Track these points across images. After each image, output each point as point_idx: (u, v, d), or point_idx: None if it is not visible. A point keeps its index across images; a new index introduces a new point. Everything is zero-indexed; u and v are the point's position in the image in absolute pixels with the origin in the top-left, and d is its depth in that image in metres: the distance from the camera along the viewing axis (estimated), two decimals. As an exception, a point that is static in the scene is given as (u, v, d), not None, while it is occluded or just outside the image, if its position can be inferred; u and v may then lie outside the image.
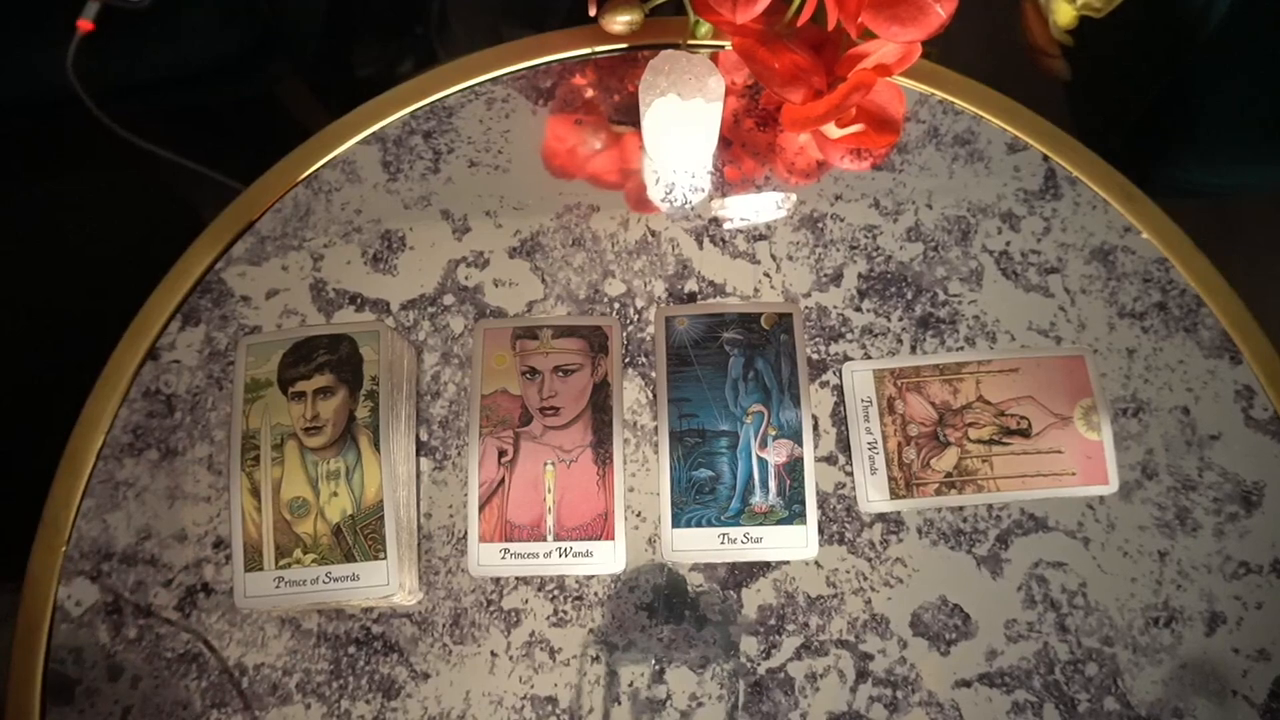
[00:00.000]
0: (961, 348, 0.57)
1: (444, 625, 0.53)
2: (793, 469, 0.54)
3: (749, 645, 0.52)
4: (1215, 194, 0.89)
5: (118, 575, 0.53)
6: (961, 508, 0.54)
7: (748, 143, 0.62)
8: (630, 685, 0.52)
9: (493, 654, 0.52)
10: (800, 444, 0.54)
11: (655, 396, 0.56)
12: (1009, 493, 0.54)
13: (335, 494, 0.50)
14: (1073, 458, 0.54)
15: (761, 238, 0.60)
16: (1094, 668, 0.52)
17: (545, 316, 0.58)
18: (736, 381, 0.55)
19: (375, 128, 0.63)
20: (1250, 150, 0.82)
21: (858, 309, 0.58)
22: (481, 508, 0.53)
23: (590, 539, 0.53)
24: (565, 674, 0.52)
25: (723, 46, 0.64)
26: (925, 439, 0.55)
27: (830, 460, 0.55)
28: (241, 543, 0.49)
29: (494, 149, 0.62)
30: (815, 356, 0.57)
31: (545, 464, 0.54)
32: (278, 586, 0.49)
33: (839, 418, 0.56)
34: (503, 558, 0.53)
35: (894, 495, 0.54)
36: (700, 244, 0.60)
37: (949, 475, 0.54)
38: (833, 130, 0.59)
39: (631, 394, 0.56)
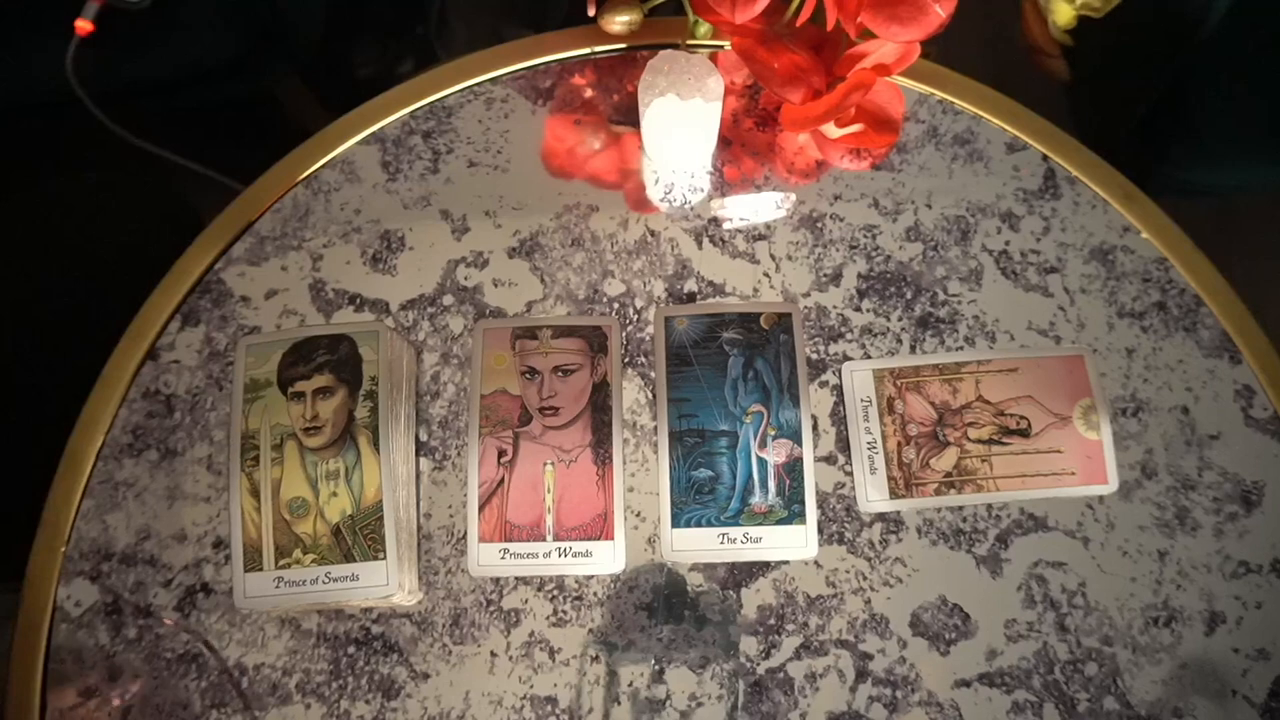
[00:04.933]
0: (961, 347, 0.57)
1: (444, 625, 0.53)
2: (792, 469, 0.54)
3: (749, 645, 0.52)
4: (1215, 194, 0.89)
5: (117, 575, 0.53)
6: (961, 507, 0.54)
7: (747, 143, 0.62)
8: (630, 685, 0.52)
9: (492, 654, 0.52)
10: (800, 444, 0.54)
11: (655, 396, 0.56)
12: (1008, 492, 0.54)
13: (335, 494, 0.50)
14: (1072, 457, 0.54)
15: (761, 237, 0.60)
16: (1094, 667, 0.52)
17: (545, 316, 0.58)
18: (736, 381, 0.55)
19: (375, 128, 0.63)
20: (1250, 150, 0.82)
21: (857, 309, 0.58)
22: (481, 508, 0.53)
23: (590, 539, 0.53)
24: (565, 674, 0.52)
25: (722, 46, 0.64)
26: (925, 439, 0.55)
27: (830, 460, 0.55)
28: (241, 543, 0.49)
29: (493, 149, 0.62)
30: (815, 356, 0.57)
31: (545, 464, 0.54)
32: (277, 587, 0.49)
33: (838, 417, 0.56)
34: (502, 558, 0.53)
35: (893, 495, 0.54)
36: (699, 244, 0.60)
37: (948, 475, 0.54)
38: (832, 130, 0.59)
39: (631, 394, 0.56)
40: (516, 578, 0.53)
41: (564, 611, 0.53)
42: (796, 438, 0.54)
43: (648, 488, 0.54)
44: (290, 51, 0.91)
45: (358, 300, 0.59)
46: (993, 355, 0.57)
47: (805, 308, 0.58)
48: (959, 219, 0.60)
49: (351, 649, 0.52)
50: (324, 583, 0.49)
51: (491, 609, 0.53)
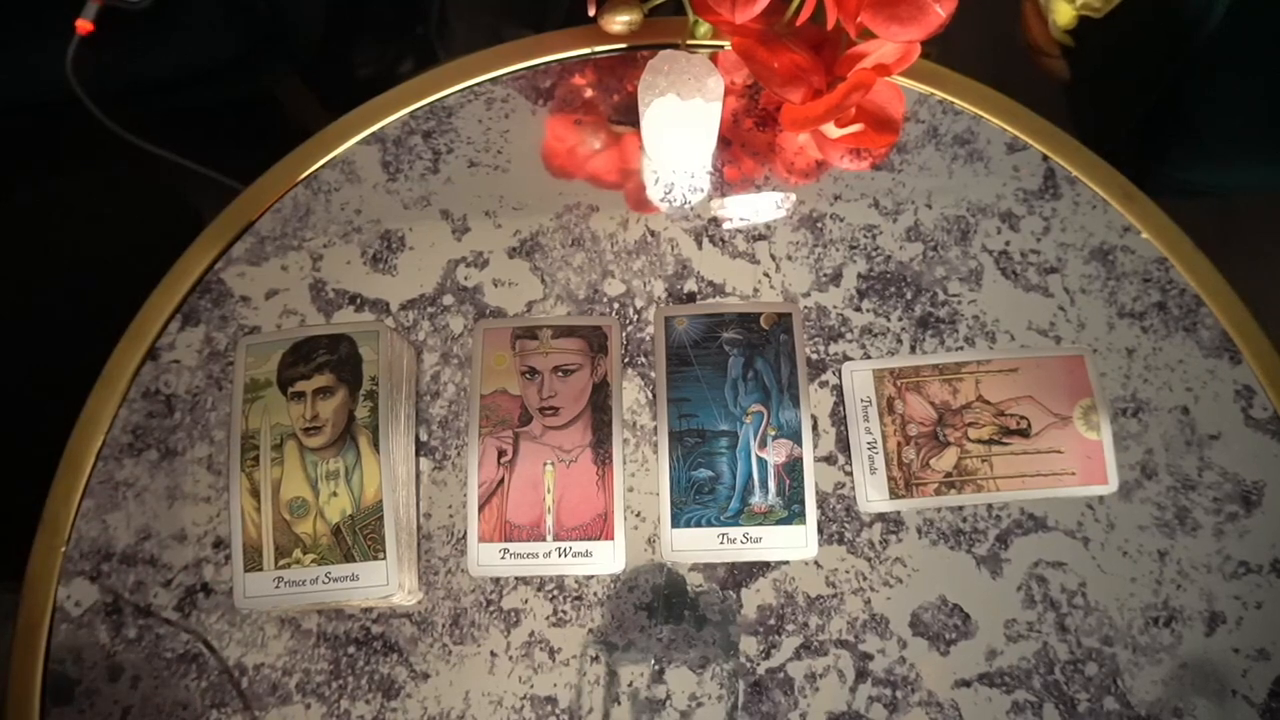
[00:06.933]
0: (961, 347, 0.57)
1: (444, 625, 0.53)
2: (792, 469, 0.54)
3: (749, 645, 0.52)
4: (1215, 194, 0.89)
5: (117, 575, 0.53)
6: (961, 507, 0.54)
7: (747, 143, 0.62)
8: (630, 685, 0.52)
9: (492, 654, 0.52)
10: (800, 444, 0.54)
11: (655, 396, 0.56)
12: (1008, 492, 0.54)
13: (335, 494, 0.50)
14: (1072, 457, 0.54)
15: (761, 238, 0.60)
16: (1094, 667, 0.52)
17: (545, 316, 0.58)
18: (736, 381, 0.55)
19: (375, 128, 0.63)
20: (1250, 150, 0.82)
21: (857, 309, 0.58)
22: (481, 508, 0.53)
23: (590, 539, 0.53)
24: (565, 674, 0.52)
25: (722, 46, 0.63)
26: (925, 439, 0.55)
27: (830, 460, 0.55)
28: (241, 543, 0.49)
29: (493, 149, 0.62)
30: (815, 356, 0.57)
31: (545, 464, 0.54)
32: (277, 587, 0.49)
33: (838, 418, 0.56)
34: (502, 558, 0.53)
35: (893, 495, 0.54)
36: (700, 244, 0.60)
37: (948, 475, 0.54)
38: (832, 130, 0.59)
39: (631, 394, 0.56)
40: (516, 578, 0.53)
41: (564, 611, 0.53)
42: (796, 438, 0.54)
43: (648, 488, 0.54)
44: (290, 51, 0.91)
45: (358, 300, 0.59)
46: (993, 355, 0.57)
47: (805, 308, 0.58)
48: (959, 219, 0.60)
49: (351, 649, 0.52)
50: (324, 583, 0.49)
51: (491, 609, 0.53)
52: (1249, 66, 0.79)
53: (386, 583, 0.49)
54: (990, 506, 0.54)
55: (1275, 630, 0.52)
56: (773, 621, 0.53)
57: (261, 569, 0.49)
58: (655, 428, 0.55)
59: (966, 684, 0.52)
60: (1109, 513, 0.54)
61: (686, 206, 0.61)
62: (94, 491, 0.55)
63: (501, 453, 0.54)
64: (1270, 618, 0.52)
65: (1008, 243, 0.60)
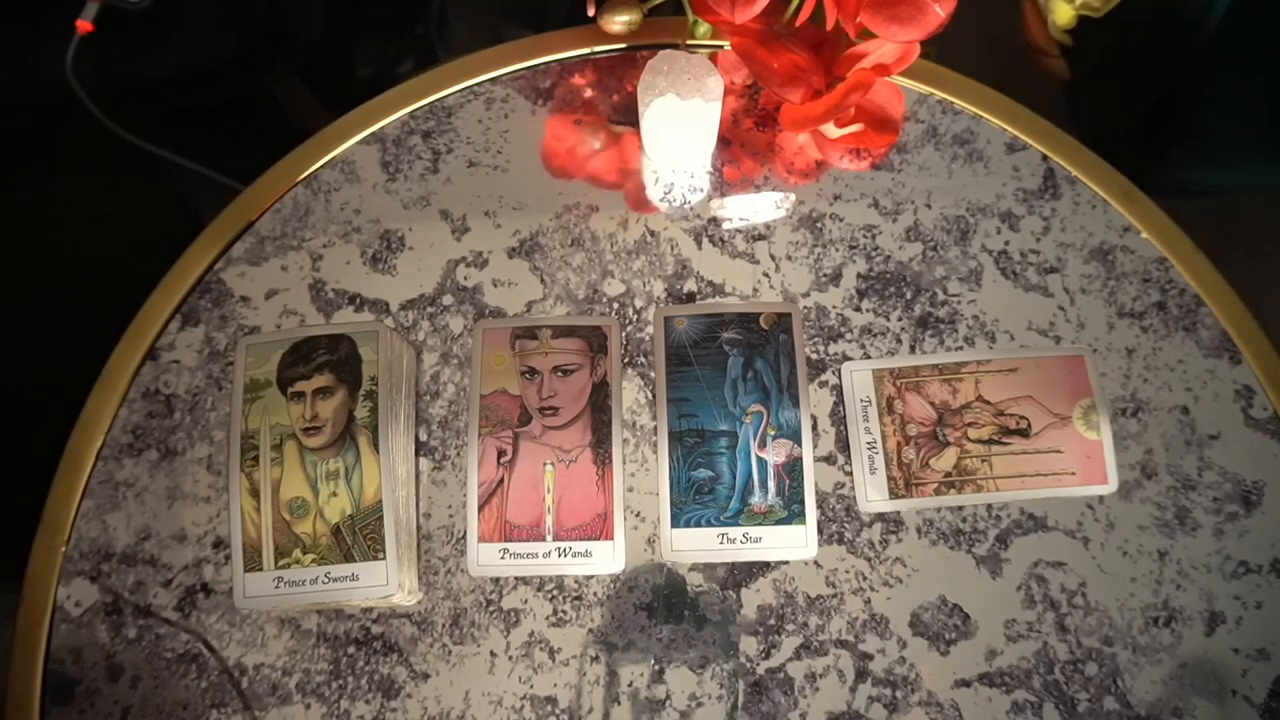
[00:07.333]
0: (961, 347, 0.57)
1: (443, 625, 0.53)
2: (792, 469, 0.54)
3: (748, 645, 0.52)
4: (1215, 194, 0.89)
5: (117, 575, 0.53)
6: (961, 507, 0.54)
7: (747, 142, 0.62)
8: (630, 685, 0.52)
9: (492, 654, 0.52)
10: (799, 444, 0.54)
11: (654, 396, 0.56)
12: (1008, 492, 0.54)
13: (334, 494, 0.50)
14: (1072, 457, 0.54)
15: (760, 238, 0.60)
16: (1094, 667, 0.52)
17: (544, 316, 0.58)
18: (736, 381, 0.55)
19: (375, 128, 0.63)
20: (1250, 150, 0.81)
21: (857, 309, 0.58)
22: (481, 508, 0.53)
23: (589, 539, 0.53)
24: (565, 674, 0.52)
25: (721, 46, 0.64)
26: (924, 439, 0.55)
27: (829, 460, 0.55)
28: (241, 543, 0.49)
29: (493, 149, 0.62)
30: (814, 356, 0.57)
31: (544, 464, 0.54)
32: (277, 587, 0.49)
33: (838, 417, 0.56)
34: (502, 558, 0.53)
35: (893, 495, 0.54)
36: (699, 244, 0.60)
37: (948, 475, 0.54)
38: (832, 130, 0.59)
39: (631, 394, 0.56)
40: (516, 578, 0.53)
41: (564, 611, 0.53)
42: (796, 438, 0.54)
43: (647, 488, 0.55)
44: (290, 51, 0.91)
45: (358, 300, 0.59)
46: (993, 355, 0.57)
47: (805, 308, 0.58)
48: (959, 219, 0.60)
49: (351, 649, 0.52)
50: (324, 583, 0.49)
51: (491, 609, 0.53)
52: (1249, 66, 0.79)
53: (386, 583, 0.49)
54: (990, 506, 0.54)
55: (1275, 630, 0.52)
56: (773, 621, 0.53)
57: (261, 569, 0.49)
58: (655, 428, 0.55)
59: (966, 684, 0.52)
60: (1109, 513, 0.54)
61: (686, 206, 0.61)
62: (94, 491, 0.55)
63: (501, 453, 0.54)
64: (1270, 618, 0.52)
65: (1007, 243, 0.60)
